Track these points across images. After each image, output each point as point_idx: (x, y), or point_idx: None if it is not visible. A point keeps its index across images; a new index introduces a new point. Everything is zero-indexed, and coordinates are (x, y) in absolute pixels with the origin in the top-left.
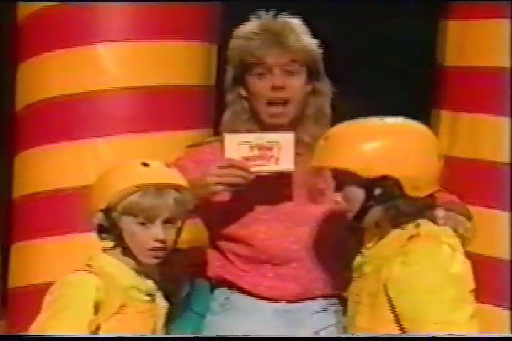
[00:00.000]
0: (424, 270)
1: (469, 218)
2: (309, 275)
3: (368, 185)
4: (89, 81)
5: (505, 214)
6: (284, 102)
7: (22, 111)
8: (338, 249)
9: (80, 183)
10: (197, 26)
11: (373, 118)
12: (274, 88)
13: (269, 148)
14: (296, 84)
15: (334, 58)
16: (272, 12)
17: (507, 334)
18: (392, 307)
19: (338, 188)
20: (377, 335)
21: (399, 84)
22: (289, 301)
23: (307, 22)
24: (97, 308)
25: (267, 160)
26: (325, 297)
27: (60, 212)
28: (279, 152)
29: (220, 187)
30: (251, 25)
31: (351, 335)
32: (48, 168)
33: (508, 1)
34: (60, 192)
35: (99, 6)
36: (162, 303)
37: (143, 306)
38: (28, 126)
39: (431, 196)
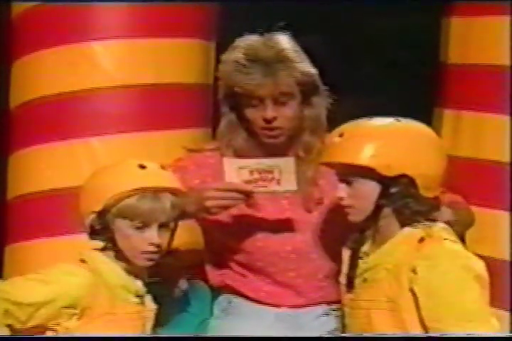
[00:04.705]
0: (451, 271)
1: (472, 219)
2: (308, 285)
3: (385, 183)
4: (84, 79)
5: (509, 215)
6: (279, 128)
7: (16, 110)
8: (336, 257)
9: (75, 183)
10: (194, 23)
11: (386, 118)
12: (266, 121)
13: (270, 171)
14: (289, 113)
15: (335, 56)
16: (262, 32)
17: (507, 334)
18: (417, 309)
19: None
20: (377, 335)
21: (401, 82)
22: (290, 307)
23: (307, 20)
24: (73, 305)
25: (268, 182)
26: (328, 303)
27: (55, 213)
28: (280, 175)
29: (219, 210)
30: (239, 52)
31: (351, 335)
32: (43, 167)
33: (508, 0)
34: (54, 193)
35: (94, 3)
36: (151, 305)
37: (131, 308)
38: (23, 124)
39: (436, 197)
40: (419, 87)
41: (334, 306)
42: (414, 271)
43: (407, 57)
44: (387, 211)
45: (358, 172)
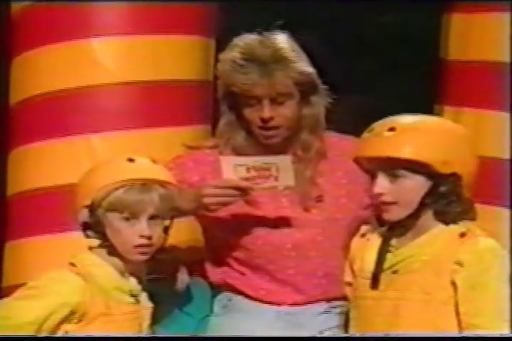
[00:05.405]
0: (497, 267)
1: (474, 216)
2: (308, 282)
3: (437, 180)
4: (84, 76)
5: (509, 212)
6: (276, 127)
7: (16, 107)
8: (336, 254)
9: (75, 180)
10: (194, 20)
11: (432, 116)
12: (263, 120)
13: (267, 169)
14: (287, 113)
15: (334, 55)
16: (260, 31)
17: (507, 334)
18: (456, 302)
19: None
20: (377, 335)
21: (401, 79)
22: (290, 305)
23: (306, 19)
24: (73, 311)
25: (266, 179)
26: (328, 300)
27: (55, 210)
28: (277, 172)
29: (218, 206)
30: (236, 51)
31: (351, 335)
32: (43, 164)
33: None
34: (54, 189)
35: (93, 1)
36: (147, 304)
37: (127, 308)
38: (23, 121)
39: (471, 197)
40: (419, 84)
41: (335, 303)
42: (459, 263)
43: (406, 54)
44: (428, 210)
45: (406, 166)
